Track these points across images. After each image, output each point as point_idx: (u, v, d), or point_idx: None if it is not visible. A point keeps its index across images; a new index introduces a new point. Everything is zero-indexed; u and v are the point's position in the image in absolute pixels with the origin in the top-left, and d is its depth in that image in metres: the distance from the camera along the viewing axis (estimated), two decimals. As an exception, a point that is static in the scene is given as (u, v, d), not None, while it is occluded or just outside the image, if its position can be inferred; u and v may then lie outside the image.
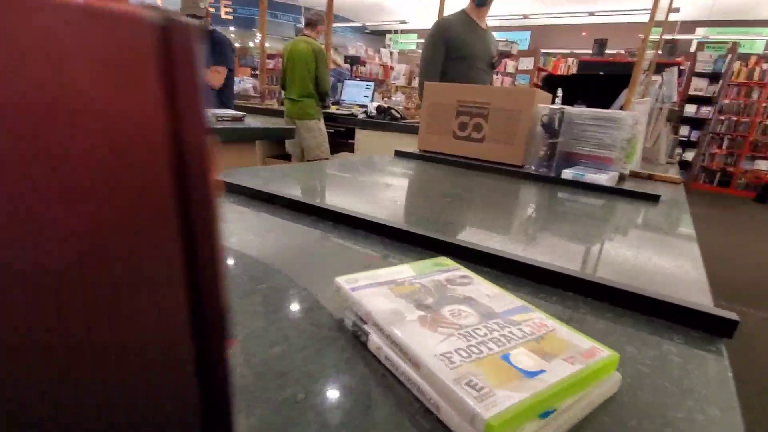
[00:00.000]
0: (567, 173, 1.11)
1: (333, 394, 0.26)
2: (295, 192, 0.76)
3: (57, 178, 0.07)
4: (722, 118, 6.72)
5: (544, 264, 0.46)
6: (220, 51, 2.37)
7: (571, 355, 0.28)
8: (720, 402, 0.29)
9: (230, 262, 0.44)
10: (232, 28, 10.29)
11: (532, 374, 0.25)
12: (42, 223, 0.07)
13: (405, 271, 0.38)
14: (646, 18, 2.06)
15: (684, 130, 6.56)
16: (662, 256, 0.60)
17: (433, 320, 0.30)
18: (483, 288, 0.36)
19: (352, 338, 0.32)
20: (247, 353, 0.29)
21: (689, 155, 6.58)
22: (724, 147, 6.93)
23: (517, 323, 0.31)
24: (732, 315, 0.38)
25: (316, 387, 0.27)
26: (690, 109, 6.38)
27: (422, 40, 2.53)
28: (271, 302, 0.37)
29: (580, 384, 0.26)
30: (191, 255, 0.09)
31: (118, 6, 0.07)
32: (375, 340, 0.30)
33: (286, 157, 2.99)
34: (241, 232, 0.54)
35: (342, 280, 0.35)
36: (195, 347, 0.10)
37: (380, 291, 0.34)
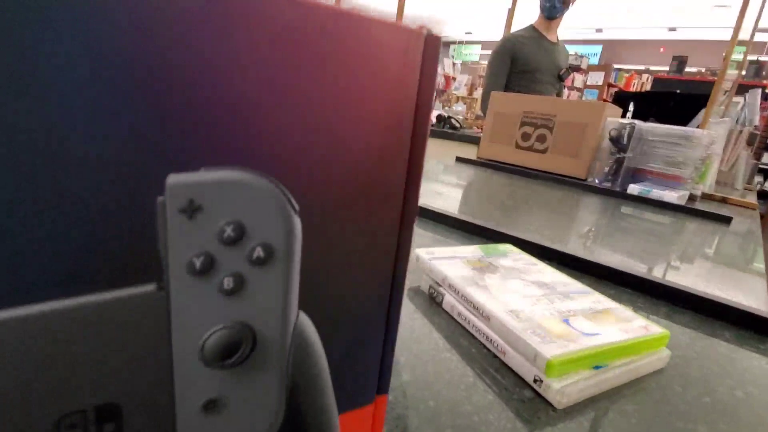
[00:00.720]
0: (633, 188, 1.10)
1: (412, 337, 0.32)
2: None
3: (369, 113, 0.13)
4: (818, 147, 6.06)
5: (604, 261, 0.49)
6: None
7: (625, 327, 0.32)
8: (758, 384, 0.31)
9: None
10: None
11: (588, 335, 0.30)
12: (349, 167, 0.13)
13: (476, 251, 0.43)
14: (730, 36, 1.95)
15: (767, 158, 5.99)
16: (724, 274, 0.60)
17: (502, 288, 0.35)
18: (547, 271, 0.41)
19: (428, 299, 0.38)
20: (344, 297, 0.36)
21: (775, 185, 5.99)
22: (818, 179, 6.24)
23: (577, 299, 0.35)
24: (791, 321, 0.39)
25: (400, 329, 0.33)
26: (779, 136, 5.82)
27: (486, 52, 2.56)
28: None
29: (631, 349, 0.30)
30: (411, 161, 0.15)
31: (409, 25, 0.13)
32: (449, 299, 0.36)
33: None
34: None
35: (421, 251, 0.40)
36: (401, 222, 0.16)
37: (454, 263, 0.39)
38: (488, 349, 0.31)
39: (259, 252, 0.12)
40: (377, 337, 0.17)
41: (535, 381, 0.27)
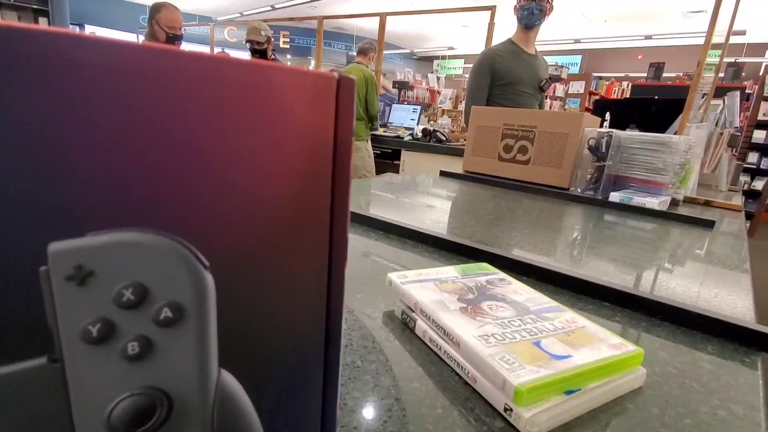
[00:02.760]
0: (615, 196, 1.11)
1: (385, 364, 0.31)
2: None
3: (282, 161, 0.13)
4: (798, 144, 6.20)
5: (580, 275, 0.49)
6: None
7: (598, 346, 0.31)
8: (743, 402, 0.31)
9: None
10: (288, 56, 10.94)
11: (559, 357, 0.29)
12: (272, 183, 0.13)
13: (449, 271, 0.42)
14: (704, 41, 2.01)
15: (752, 157, 6.12)
16: (708, 280, 0.60)
17: (473, 311, 0.34)
18: (520, 290, 0.40)
19: (401, 325, 0.37)
20: (313, 329, 0.35)
21: (758, 183, 6.11)
22: (800, 176, 6.36)
23: (550, 319, 0.35)
24: (767, 329, 0.39)
25: (370, 357, 0.32)
26: (759, 135, 5.96)
27: (469, 65, 2.60)
28: (331, 293, 0.43)
29: (604, 370, 0.29)
30: (334, 203, 0.14)
31: (319, 71, 0.13)
32: (421, 325, 0.35)
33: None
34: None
35: (394, 275, 0.40)
36: (329, 268, 0.15)
37: (427, 286, 0.38)
38: (460, 376, 0.30)
39: (166, 312, 0.12)
40: (314, 386, 0.16)
41: (505, 410, 0.26)
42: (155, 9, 2.23)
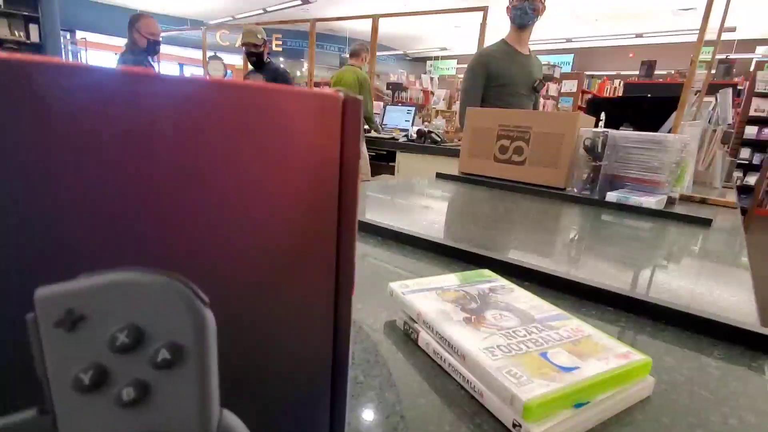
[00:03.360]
0: (611, 196, 1.10)
1: (389, 379, 0.30)
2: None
3: (287, 187, 0.12)
4: (789, 139, 6.26)
5: (584, 279, 0.48)
6: (283, 81, 2.57)
7: (605, 356, 0.30)
8: (754, 409, 0.30)
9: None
10: (281, 59, 10.92)
11: (567, 369, 0.28)
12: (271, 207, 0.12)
13: (451, 279, 0.42)
14: (696, 37, 2.02)
15: (745, 153, 6.17)
16: (709, 279, 0.60)
17: (477, 321, 0.34)
18: (523, 297, 0.39)
19: (403, 336, 0.37)
20: (315, 343, 0.34)
21: (751, 179, 6.16)
22: (792, 170, 6.42)
23: (555, 328, 0.34)
24: (774, 332, 0.39)
25: (374, 372, 0.31)
26: (751, 131, 6.02)
27: (462, 66, 2.60)
28: (331, 304, 0.42)
29: (612, 381, 0.28)
30: (341, 227, 0.14)
31: (325, 91, 0.12)
32: (424, 336, 0.34)
33: (330, 180, 3.12)
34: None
35: (395, 285, 0.39)
36: (336, 295, 0.14)
37: (429, 295, 0.38)
38: (466, 391, 0.30)
39: (164, 354, 0.11)
40: (321, 420, 0.15)
41: (514, 426, 0.26)
42: (135, 19, 2.46)
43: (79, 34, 8.77)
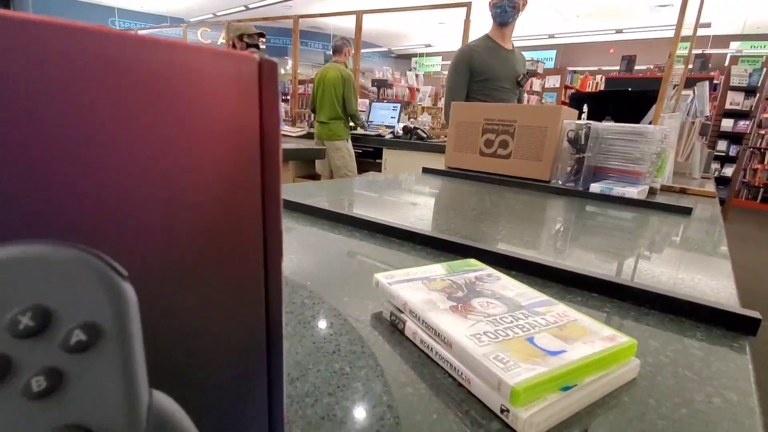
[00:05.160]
0: (595, 187, 1.12)
1: (375, 369, 0.30)
2: (331, 205, 0.81)
3: (200, 147, 0.12)
4: (762, 132, 6.45)
5: (569, 267, 0.48)
6: None
7: (591, 340, 0.30)
8: (736, 388, 0.31)
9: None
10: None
11: (554, 353, 0.28)
12: (191, 177, 0.12)
13: (437, 269, 0.41)
14: (673, 33, 2.05)
15: (722, 145, 6.33)
16: (690, 266, 0.61)
17: (464, 309, 0.34)
18: (510, 285, 0.39)
19: (390, 327, 0.36)
20: (299, 336, 0.33)
21: (728, 170, 6.33)
22: (766, 162, 6.62)
23: (542, 314, 0.34)
24: (754, 313, 0.39)
25: (360, 363, 0.30)
26: (727, 124, 6.18)
27: (446, 62, 2.61)
28: (316, 296, 0.41)
29: (598, 363, 0.28)
30: (265, 198, 0.13)
31: (239, 51, 0.12)
32: (411, 326, 0.34)
33: (315, 178, 3.09)
34: (286, 240, 0.59)
35: (381, 276, 0.38)
36: (265, 266, 0.14)
37: (415, 285, 0.37)
38: (453, 378, 0.29)
39: (78, 336, 0.10)
40: (259, 391, 0.15)
41: (502, 411, 0.25)
42: None
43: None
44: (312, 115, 3.21)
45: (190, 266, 0.12)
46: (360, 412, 0.26)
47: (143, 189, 0.11)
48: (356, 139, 3.16)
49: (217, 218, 0.12)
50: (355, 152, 3.06)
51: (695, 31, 2.67)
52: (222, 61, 0.12)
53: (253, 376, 0.14)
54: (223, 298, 0.13)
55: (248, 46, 2.65)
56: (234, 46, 2.64)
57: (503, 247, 0.61)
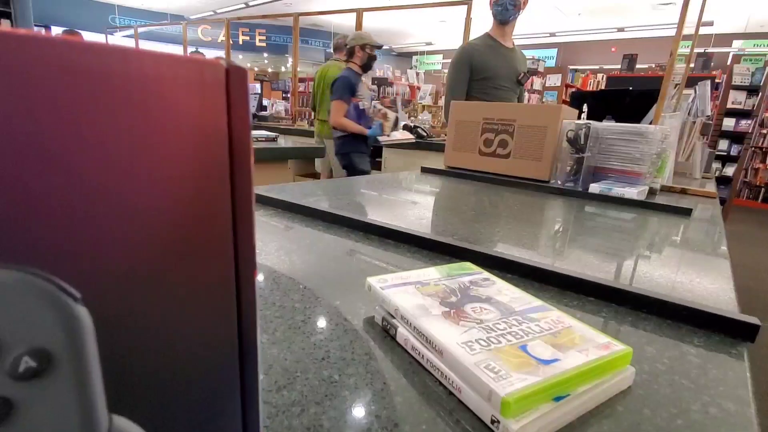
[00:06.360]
0: (594, 187, 1.11)
1: (365, 377, 0.29)
2: (326, 205, 0.81)
3: (167, 162, 0.11)
4: (765, 131, 6.43)
5: (565, 270, 0.48)
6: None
7: (586, 347, 0.30)
8: (734, 397, 0.30)
9: (270, 266, 0.48)
10: (265, 55, 10.78)
11: (547, 362, 0.28)
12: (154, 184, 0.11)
13: (431, 273, 0.41)
14: (675, 32, 2.04)
15: (723, 145, 6.31)
16: (690, 268, 0.60)
17: (456, 315, 0.33)
18: (504, 289, 0.39)
19: (382, 332, 0.35)
20: (288, 341, 0.33)
21: (729, 170, 6.31)
22: (768, 162, 6.60)
23: (536, 320, 0.33)
24: (753, 319, 0.39)
25: (349, 370, 0.30)
26: (729, 123, 6.15)
27: (447, 60, 2.59)
28: (308, 300, 0.40)
29: (592, 373, 0.28)
30: (235, 207, 0.13)
31: (205, 58, 0.11)
32: (402, 332, 0.33)
33: (315, 176, 3.09)
34: (281, 241, 0.58)
35: (373, 280, 0.38)
36: (237, 279, 0.13)
37: (408, 290, 0.37)
38: (444, 386, 0.29)
39: (27, 363, 0.09)
40: (232, 411, 0.14)
41: (492, 422, 0.25)
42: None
43: (55, 30, 8.51)
44: (312, 114, 3.19)
45: (153, 281, 0.11)
46: (347, 423, 0.25)
47: (99, 202, 0.10)
48: (356, 138, 3.14)
49: (183, 229, 0.12)
50: (355, 151, 3.05)
51: (697, 29, 2.66)
52: (186, 67, 0.11)
53: (225, 393, 0.14)
54: (190, 312, 0.12)
55: (369, 56, 2.52)
56: (353, 53, 2.51)
57: (501, 249, 0.60)
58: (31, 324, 0.09)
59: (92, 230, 0.10)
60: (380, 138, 2.56)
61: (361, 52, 2.49)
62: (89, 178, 0.10)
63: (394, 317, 0.35)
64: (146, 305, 0.11)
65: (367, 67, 2.54)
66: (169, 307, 0.12)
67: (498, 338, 0.30)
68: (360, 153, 2.58)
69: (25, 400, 0.09)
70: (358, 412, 0.26)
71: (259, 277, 0.45)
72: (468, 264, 0.45)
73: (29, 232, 0.09)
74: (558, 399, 0.26)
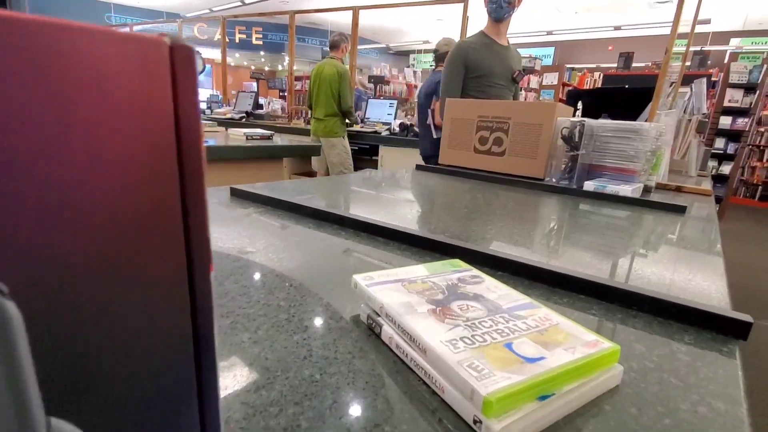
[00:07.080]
0: (589, 185, 1.11)
1: (347, 376, 0.29)
2: (319, 203, 0.80)
3: (103, 145, 0.10)
4: (762, 129, 6.45)
5: (555, 267, 0.47)
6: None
7: (573, 345, 0.29)
8: (724, 396, 0.29)
9: (257, 263, 0.47)
10: (262, 53, 10.74)
11: (532, 360, 0.27)
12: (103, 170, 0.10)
13: (419, 270, 0.40)
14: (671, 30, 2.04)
15: (720, 143, 6.32)
16: (682, 267, 0.59)
17: (442, 313, 0.32)
18: (493, 287, 0.38)
19: (367, 330, 0.35)
20: (271, 340, 0.32)
21: (726, 168, 6.32)
22: (765, 160, 6.62)
23: (523, 317, 0.33)
24: (745, 317, 0.38)
25: (331, 369, 0.29)
26: (725, 121, 6.16)
27: (444, 59, 2.57)
28: (294, 298, 0.40)
29: (579, 371, 0.27)
30: (185, 196, 0.12)
31: (147, 35, 0.11)
32: (387, 330, 0.32)
33: (311, 175, 3.08)
34: (269, 238, 0.57)
35: (359, 277, 0.37)
36: (189, 273, 0.13)
37: (394, 287, 0.36)
38: (427, 385, 0.28)
39: None
40: (189, 411, 0.13)
41: (475, 422, 0.24)
42: None
43: (50, 28, 8.45)
44: (309, 112, 3.18)
45: (91, 273, 0.11)
46: (326, 423, 0.24)
47: (28, 188, 0.09)
48: (352, 136, 3.14)
49: (123, 217, 0.11)
50: (351, 149, 3.04)
51: (693, 27, 2.66)
52: (125, 45, 0.10)
53: (179, 394, 0.13)
54: (135, 307, 0.12)
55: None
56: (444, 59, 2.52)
57: (493, 247, 0.60)
58: None
59: (21, 218, 0.09)
60: None
61: None
62: (16, 163, 0.09)
63: (379, 315, 0.34)
64: (85, 299, 0.11)
65: None
66: (111, 301, 0.11)
67: (483, 336, 0.29)
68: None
69: None
70: (338, 411, 0.25)
71: (245, 275, 0.44)
72: (457, 261, 0.44)
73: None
74: (543, 398, 0.25)
